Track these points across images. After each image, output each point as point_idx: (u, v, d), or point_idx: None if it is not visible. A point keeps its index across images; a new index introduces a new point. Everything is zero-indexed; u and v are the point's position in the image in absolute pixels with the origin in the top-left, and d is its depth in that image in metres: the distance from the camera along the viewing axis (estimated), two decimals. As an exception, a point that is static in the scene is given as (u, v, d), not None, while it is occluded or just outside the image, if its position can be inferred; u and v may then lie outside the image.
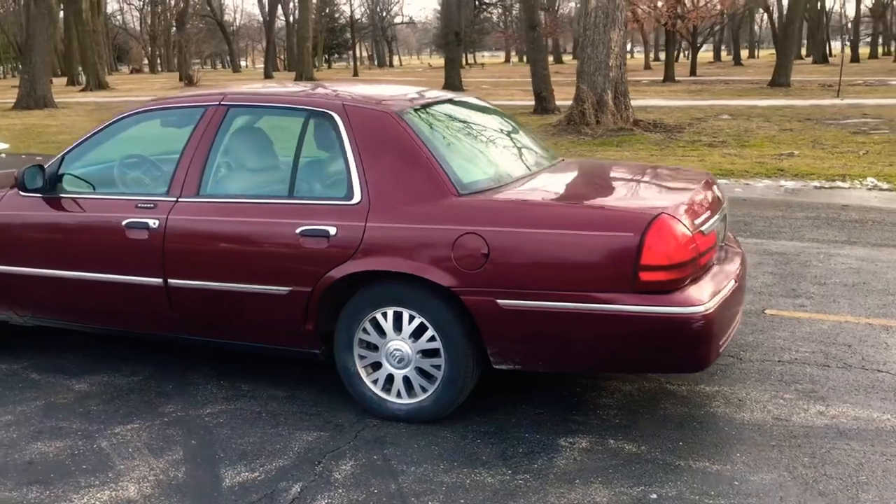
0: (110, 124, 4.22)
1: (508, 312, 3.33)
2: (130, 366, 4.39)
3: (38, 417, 3.79)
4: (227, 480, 3.18)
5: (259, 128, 4.20)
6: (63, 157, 4.22)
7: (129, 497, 3.08)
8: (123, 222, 3.94)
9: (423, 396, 3.58)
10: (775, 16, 49.19)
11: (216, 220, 3.80)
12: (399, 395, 3.62)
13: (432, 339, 3.50)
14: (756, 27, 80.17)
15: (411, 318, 3.52)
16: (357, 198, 3.56)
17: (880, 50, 63.57)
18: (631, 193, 3.95)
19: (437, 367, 3.52)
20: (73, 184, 4.20)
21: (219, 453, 3.40)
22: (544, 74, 19.91)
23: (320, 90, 4.14)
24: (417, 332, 3.52)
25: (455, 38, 29.66)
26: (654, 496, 2.98)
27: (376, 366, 3.65)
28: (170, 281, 3.86)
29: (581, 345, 3.34)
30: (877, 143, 13.75)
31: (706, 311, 3.21)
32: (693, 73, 39.30)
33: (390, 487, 3.09)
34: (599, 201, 3.75)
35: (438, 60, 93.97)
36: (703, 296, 3.26)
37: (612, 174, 4.25)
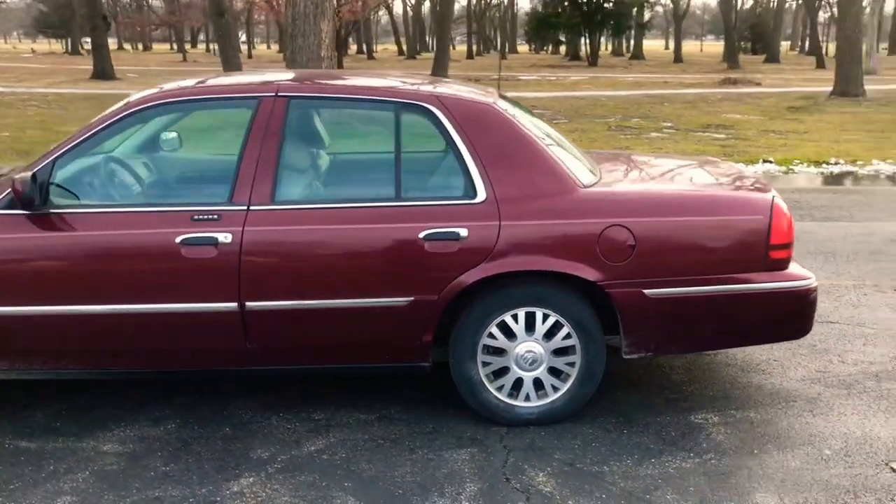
0: (119, 119, 3.39)
1: (653, 301, 3.40)
2: (143, 413, 3.60)
3: (109, 492, 2.98)
4: (444, 517, 2.84)
5: (334, 123, 3.69)
6: (54, 162, 3.30)
7: (361, 558, 2.62)
8: (177, 239, 3.23)
9: (554, 396, 3.49)
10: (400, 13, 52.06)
11: (312, 228, 3.29)
12: (528, 398, 3.49)
13: (567, 336, 3.43)
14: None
15: (545, 317, 3.41)
16: (482, 195, 3.35)
17: (477, 48, 70.71)
18: (722, 180, 4.01)
19: (571, 364, 3.47)
20: (73, 196, 3.33)
21: (394, 490, 3.00)
22: (237, 63, 19.16)
23: (390, 81, 3.73)
24: (551, 331, 3.43)
25: (103, 23, 27.14)
26: (828, 451, 3.29)
27: (501, 371, 3.47)
28: (248, 304, 3.27)
29: (715, 325, 3.52)
30: (570, 131, 15.56)
31: (815, 282, 3.59)
32: (340, 65, 40.33)
33: (611, 489, 3.01)
34: (717, 188, 3.81)
35: (40, 46, 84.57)
36: (805, 269, 3.65)
37: (673, 164, 4.38)
